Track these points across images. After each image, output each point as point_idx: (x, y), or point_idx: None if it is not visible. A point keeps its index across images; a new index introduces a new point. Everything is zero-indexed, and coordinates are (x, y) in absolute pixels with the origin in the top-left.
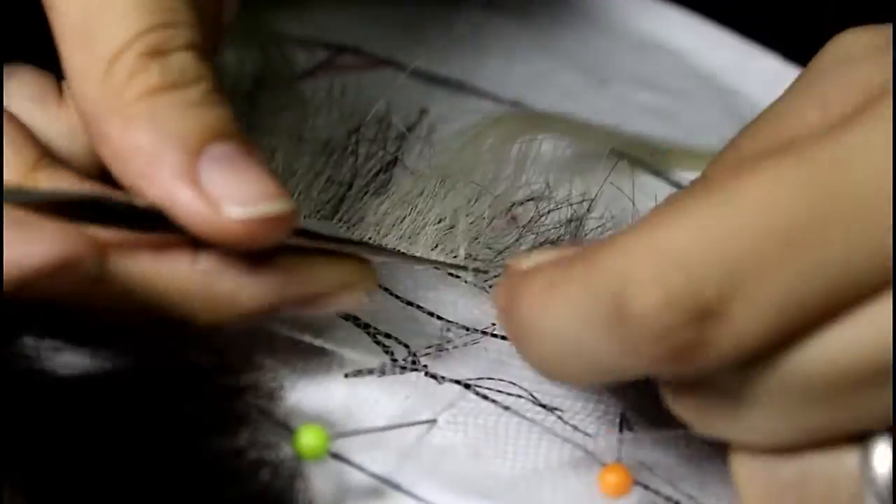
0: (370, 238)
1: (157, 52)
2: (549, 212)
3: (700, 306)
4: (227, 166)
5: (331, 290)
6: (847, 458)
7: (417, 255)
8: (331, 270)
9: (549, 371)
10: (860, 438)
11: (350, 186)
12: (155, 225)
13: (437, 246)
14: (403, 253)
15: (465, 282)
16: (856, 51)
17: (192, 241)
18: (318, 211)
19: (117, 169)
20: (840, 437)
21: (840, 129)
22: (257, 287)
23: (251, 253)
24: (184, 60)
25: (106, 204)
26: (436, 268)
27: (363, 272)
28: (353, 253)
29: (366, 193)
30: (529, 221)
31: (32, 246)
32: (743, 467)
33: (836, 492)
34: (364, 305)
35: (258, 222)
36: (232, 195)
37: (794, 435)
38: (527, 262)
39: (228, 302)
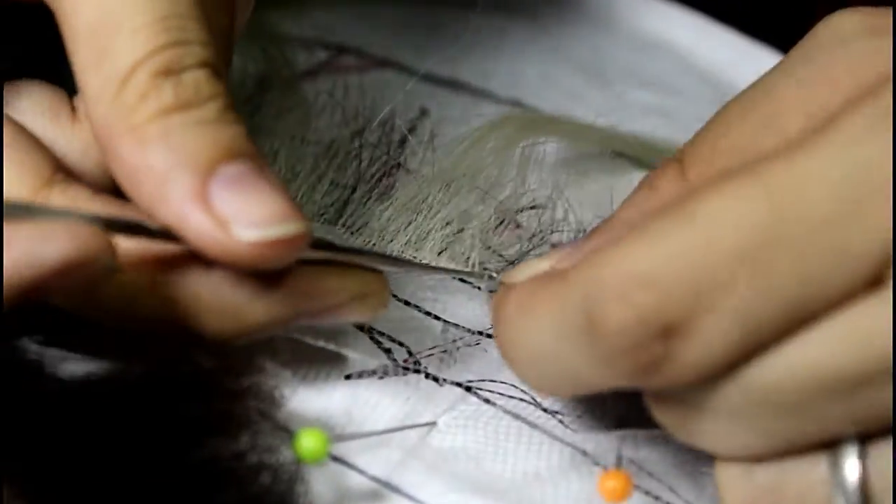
0: (374, 244)
1: (169, 71)
2: (552, 231)
3: (665, 324)
4: (239, 187)
5: (344, 303)
6: (819, 464)
7: (433, 264)
8: (344, 282)
9: (531, 384)
10: (831, 445)
11: (354, 190)
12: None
13: (443, 251)
14: (421, 263)
15: (478, 288)
16: (848, 32)
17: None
18: (322, 215)
19: (130, 190)
20: (811, 445)
21: (798, 149)
22: (270, 300)
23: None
24: (197, 78)
25: (117, 224)
26: (458, 279)
27: (376, 284)
28: (366, 264)
29: (369, 198)
30: (534, 236)
31: (46, 245)
32: (723, 472)
33: (810, 497)
34: (378, 317)
35: (269, 244)
36: (243, 217)
37: (763, 444)
38: (516, 276)
39: (240, 315)
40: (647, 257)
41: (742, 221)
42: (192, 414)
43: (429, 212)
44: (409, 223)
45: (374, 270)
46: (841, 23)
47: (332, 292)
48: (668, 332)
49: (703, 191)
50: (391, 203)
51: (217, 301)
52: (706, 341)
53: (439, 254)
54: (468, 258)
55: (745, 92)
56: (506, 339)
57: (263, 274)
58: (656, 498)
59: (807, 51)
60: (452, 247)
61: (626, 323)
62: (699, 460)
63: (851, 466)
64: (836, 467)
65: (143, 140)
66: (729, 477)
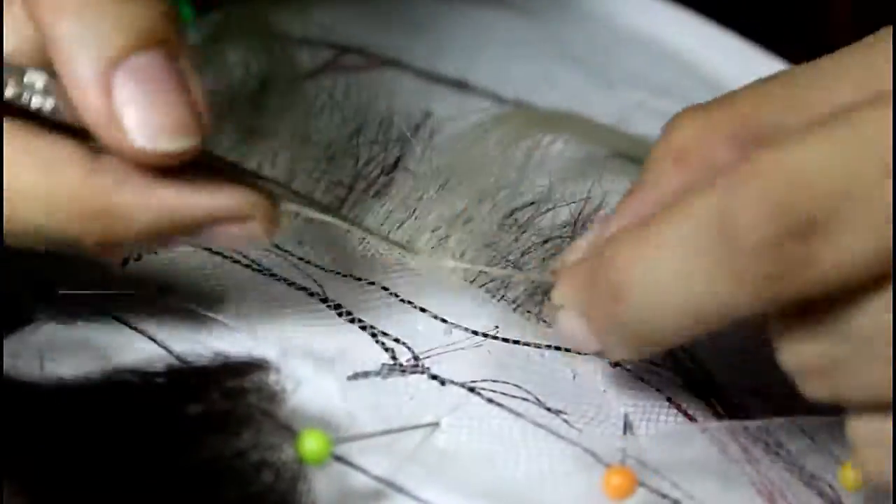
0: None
1: None
2: (547, 210)
3: (806, 221)
4: (143, 84)
5: (227, 214)
6: None
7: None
8: (229, 196)
9: (651, 326)
10: None
11: (351, 188)
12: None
13: (433, 248)
14: (347, 217)
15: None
16: None
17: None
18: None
19: (51, 56)
20: None
21: None
22: (150, 203)
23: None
24: None
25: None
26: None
27: (265, 206)
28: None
29: (367, 195)
30: (527, 220)
31: None
32: (861, 426)
33: None
34: (260, 244)
35: (159, 154)
36: (139, 122)
37: None
38: (573, 253)
39: (123, 219)
40: (797, 156)
41: None
42: (193, 412)
43: (423, 210)
44: (403, 223)
45: (267, 194)
46: None
47: (216, 201)
48: (808, 230)
49: (864, 103)
50: (388, 199)
51: (97, 204)
52: (848, 246)
53: (430, 255)
54: (460, 256)
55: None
56: (617, 288)
57: (148, 176)
58: (660, 494)
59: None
60: (445, 245)
61: (765, 218)
62: (705, 457)
63: None
64: None
65: (61, 8)
66: (867, 430)
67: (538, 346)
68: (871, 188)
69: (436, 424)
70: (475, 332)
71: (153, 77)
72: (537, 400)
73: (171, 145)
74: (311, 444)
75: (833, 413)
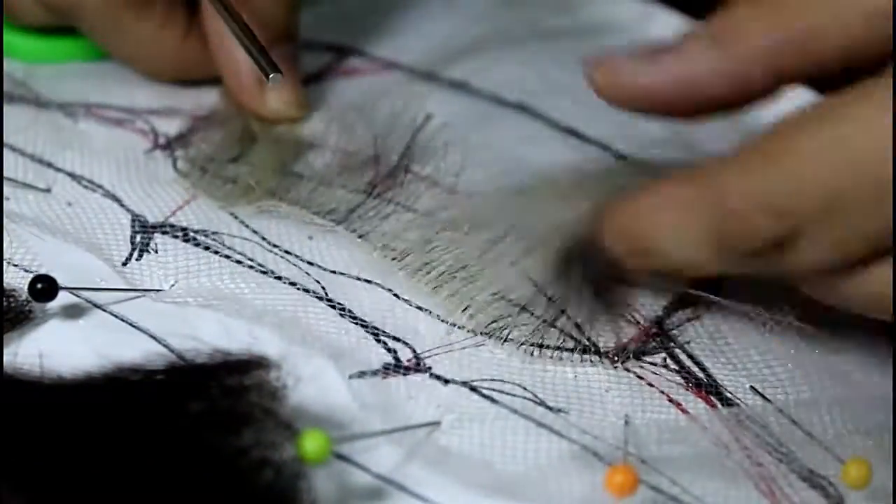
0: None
1: None
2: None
3: (775, 238)
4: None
5: None
6: None
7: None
8: None
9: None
10: None
11: (354, 191)
12: None
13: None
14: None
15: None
16: None
17: None
18: (329, 213)
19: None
20: None
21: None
22: None
23: None
24: None
25: None
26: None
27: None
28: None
29: (372, 198)
30: None
31: None
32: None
33: None
34: None
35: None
36: (279, 95)
37: None
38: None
39: None
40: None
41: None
42: (194, 410)
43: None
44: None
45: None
46: None
47: None
48: (778, 242)
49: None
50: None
51: None
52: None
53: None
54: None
55: None
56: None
57: None
58: (662, 492)
59: None
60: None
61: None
62: (706, 454)
63: None
64: None
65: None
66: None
67: (539, 346)
68: (832, 210)
69: (437, 423)
70: (476, 332)
71: (287, 61)
72: (539, 399)
73: (289, 114)
74: (312, 443)
75: (832, 411)
